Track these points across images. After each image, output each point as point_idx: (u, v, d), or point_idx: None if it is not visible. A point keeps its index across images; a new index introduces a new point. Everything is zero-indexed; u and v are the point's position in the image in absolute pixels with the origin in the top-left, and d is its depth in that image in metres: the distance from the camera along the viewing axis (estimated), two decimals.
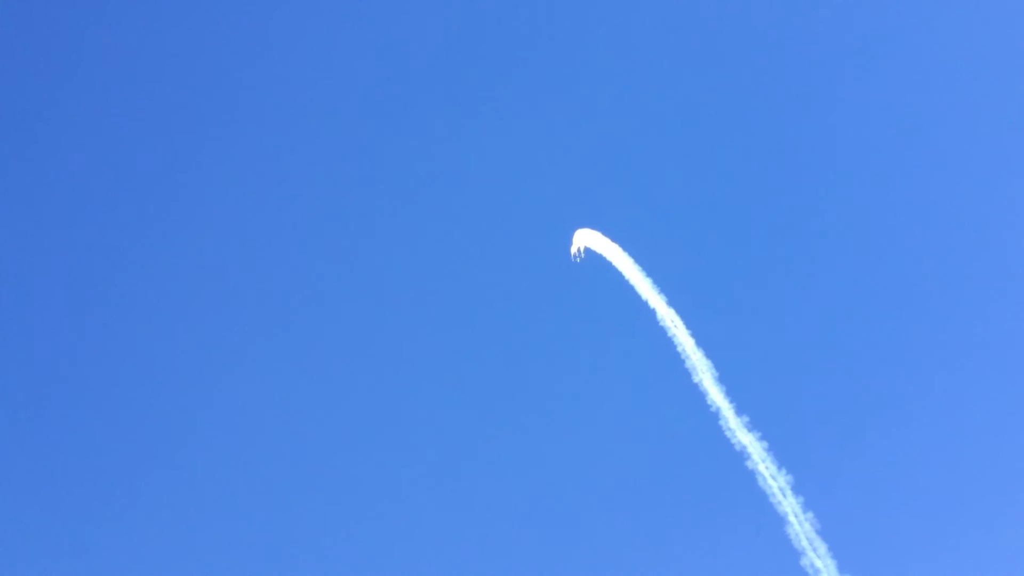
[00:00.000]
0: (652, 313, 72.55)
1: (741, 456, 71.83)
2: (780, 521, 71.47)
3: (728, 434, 71.90)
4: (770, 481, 71.55)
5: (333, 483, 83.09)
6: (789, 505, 71.33)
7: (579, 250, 72.02)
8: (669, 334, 72.64)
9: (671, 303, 72.61)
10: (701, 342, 72.25)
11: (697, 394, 72.18)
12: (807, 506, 71.37)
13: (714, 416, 72.08)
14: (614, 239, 72.99)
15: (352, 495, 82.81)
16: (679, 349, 72.61)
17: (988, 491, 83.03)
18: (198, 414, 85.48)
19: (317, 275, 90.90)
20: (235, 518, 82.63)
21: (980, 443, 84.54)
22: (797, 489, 71.46)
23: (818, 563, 71.10)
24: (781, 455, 71.67)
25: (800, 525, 71.23)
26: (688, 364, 72.46)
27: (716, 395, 72.13)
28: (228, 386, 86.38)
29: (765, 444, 71.77)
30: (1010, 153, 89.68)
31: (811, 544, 71.17)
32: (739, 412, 71.94)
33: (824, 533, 71.28)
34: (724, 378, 72.00)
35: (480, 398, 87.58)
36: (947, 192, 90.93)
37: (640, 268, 72.74)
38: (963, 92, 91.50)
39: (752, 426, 71.92)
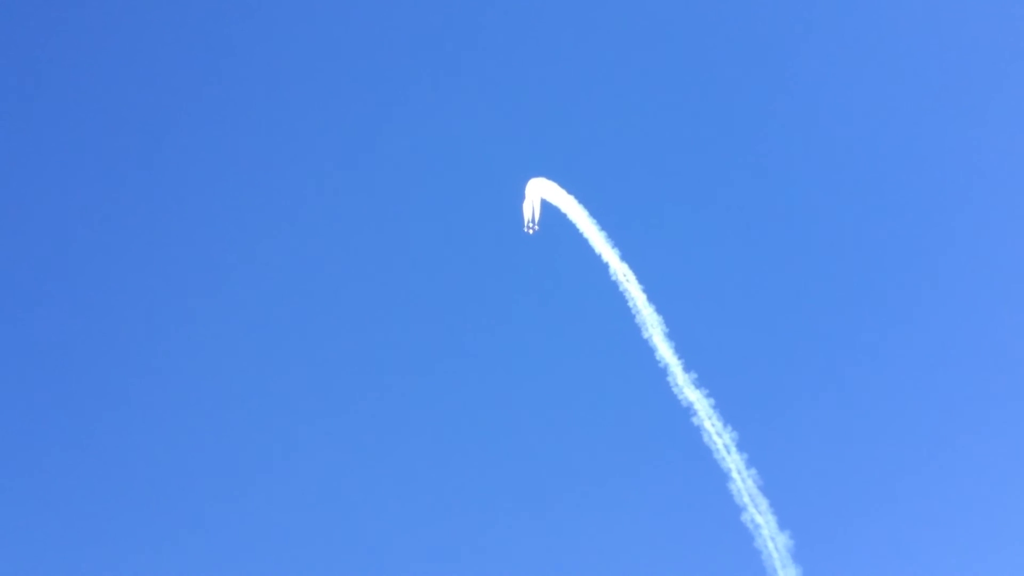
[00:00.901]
0: (605, 267, 72.63)
1: (687, 412, 72.41)
2: (723, 477, 72.15)
3: (675, 390, 72.36)
4: (715, 437, 72.04)
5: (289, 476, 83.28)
6: (733, 461, 71.90)
7: (532, 219, 71.54)
8: (621, 288, 72.68)
9: (624, 258, 72.82)
10: (653, 298, 72.57)
11: (646, 349, 72.59)
12: (750, 463, 72.08)
13: (662, 372, 72.57)
14: (569, 190, 72.72)
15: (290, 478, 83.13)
16: (630, 304, 72.74)
17: (928, 448, 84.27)
18: (194, 409, 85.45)
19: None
20: (235, 517, 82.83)
21: (921, 402, 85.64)
22: (741, 446, 72.16)
23: (759, 519, 71.76)
24: (727, 412, 72.31)
25: (743, 481, 71.83)
26: (639, 319, 72.65)
27: (665, 351, 72.37)
28: (220, 383, 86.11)
29: (712, 401, 72.31)
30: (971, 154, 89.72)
31: (753, 500, 71.82)
32: (687, 368, 72.48)
33: (766, 489, 72.04)
34: (674, 334, 72.48)
35: (424, 350, 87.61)
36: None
37: (594, 221, 72.61)
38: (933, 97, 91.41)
39: (699, 383, 72.39)
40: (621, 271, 72.46)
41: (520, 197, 72.34)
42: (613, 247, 72.47)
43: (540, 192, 72.41)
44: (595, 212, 72.24)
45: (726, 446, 71.92)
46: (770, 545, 71.55)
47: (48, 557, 79.62)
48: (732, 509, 71.81)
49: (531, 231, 72.00)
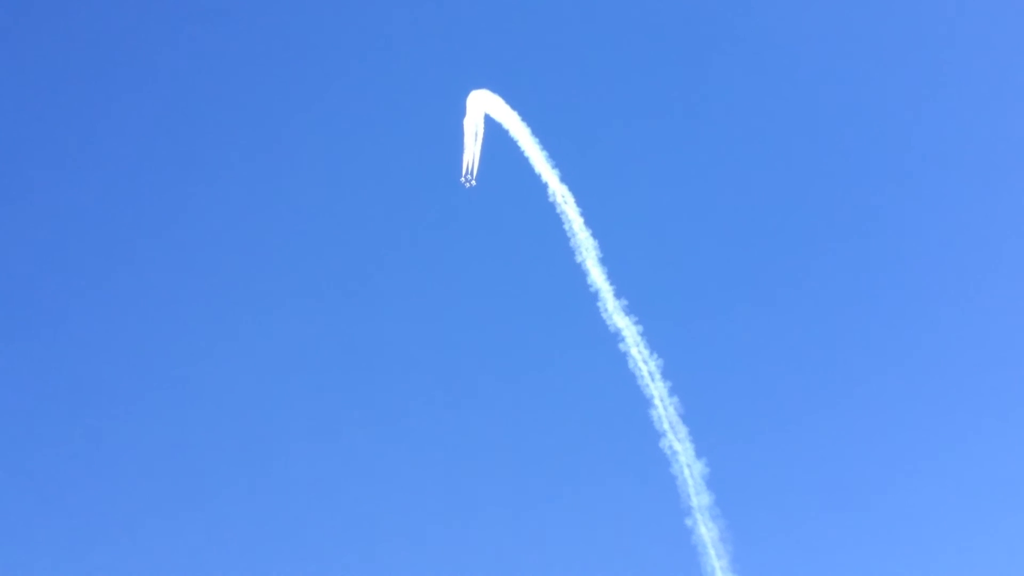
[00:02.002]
0: (544, 187, 72.06)
1: (615, 338, 72.53)
2: (646, 403, 72.60)
3: (604, 315, 72.37)
4: (640, 364, 72.29)
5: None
6: (656, 388, 72.31)
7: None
8: (558, 210, 72.20)
9: (564, 179, 72.21)
10: (590, 222, 72.20)
11: (579, 273, 72.37)
12: (673, 391, 72.58)
13: (593, 296, 72.52)
14: (513, 106, 71.71)
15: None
16: (566, 227, 72.32)
17: (846, 383, 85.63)
18: (193, 413, 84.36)
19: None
20: (234, 517, 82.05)
21: (842, 335, 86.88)
22: (665, 374, 72.57)
23: (677, 446, 72.40)
24: (654, 341, 72.56)
25: (664, 409, 72.32)
26: (573, 242, 72.31)
27: (597, 276, 72.22)
28: (217, 384, 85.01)
29: (640, 328, 72.45)
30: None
31: (672, 427, 72.40)
32: (618, 295, 72.45)
33: (686, 418, 72.67)
34: (608, 260, 72.30)
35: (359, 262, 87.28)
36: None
37: (536, 140, 71.79)
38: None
39: (629, 310, 72.51)
40: (560, 192, 71.88)
41: (461, 111, 71.31)
42: (554, 168, 71.90)
43: (482, 106, 71.24)
44: (538, 131, 71.62)
45: (650, 373, 72.28)
46: (686, 471, 72.31)
47: (48, 557, 79.30)
48: (652, 435, 72.49)
49: (468, 184, 71.47)
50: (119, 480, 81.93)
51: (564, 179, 71.83)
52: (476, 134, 70.73)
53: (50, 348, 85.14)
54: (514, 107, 71.35)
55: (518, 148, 71.36)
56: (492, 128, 70.69)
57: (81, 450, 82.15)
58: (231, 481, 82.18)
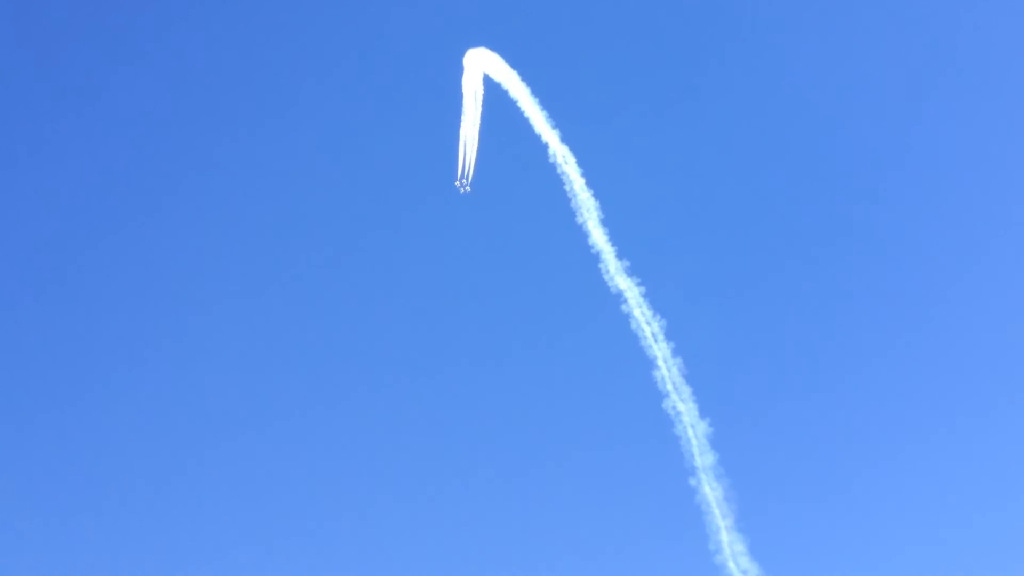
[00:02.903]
0: (544, 147, 71.21)
1: (617, 300, 71.99)
2: (649, 364, 72.17)
3: (606, 277, 71.75)
4: (643, 325, 71.78)
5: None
6: (659, 349, 71.85)
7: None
8: (559, 171, 71.35)
9: (565, 139, 71.27)
10: (591, 182, 71.36)
11: (580, 234, 71.66)
12: (676, 352, 72.16)
13: (594, 258, 71.81)
14: (512, 64, 70.66)
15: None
16: (567, 187, 71.50)
17: (852, 343, 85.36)
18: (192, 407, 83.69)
19: None
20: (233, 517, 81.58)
21: (849, 293, 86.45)
22: (669, 335, 72.07)
23: (680, 406, 72.09)
24: (657, 301, 71.99)
25: (667, 369, 71.91)
26: (574, 203, 71.51)
27: (599, 237, 71.53)
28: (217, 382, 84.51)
29: (642, 289, 71.86)
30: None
31: (676, 388, 72.04)
32: (620, 256, 71.78)
33: (690, 378, 72.31)
34: (609, 221, 71.60)
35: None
36: None
37: (536, 99, 70.79)
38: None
39: (631, 271, 71.87)
40: (561, 153, 70.96)
41: (459, 70, 70.28)
42: (554, 128, 70.92)
43: (481, 65, 70.15)
44: (538, 90, 70.62)
45: (653, 334, 71.78)
46: (689, 432, 72.03)
47: (47, 557, 79.02)
48: (655, 396, 72.16)
49: (464, 189, 70.84)
50: (116, 479, 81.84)
51: (565, 139, 70.87)
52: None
53: (47, 346, 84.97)
54: (513, 66, 70.35)
55: (517, 108, 70.46)
56: (491, 88, 69.71)
57: (77, 448, 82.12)
58: (232, 480, 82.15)
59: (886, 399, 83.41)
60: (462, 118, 68.93)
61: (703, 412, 72.05)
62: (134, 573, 79.10)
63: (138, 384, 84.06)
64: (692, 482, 71.75)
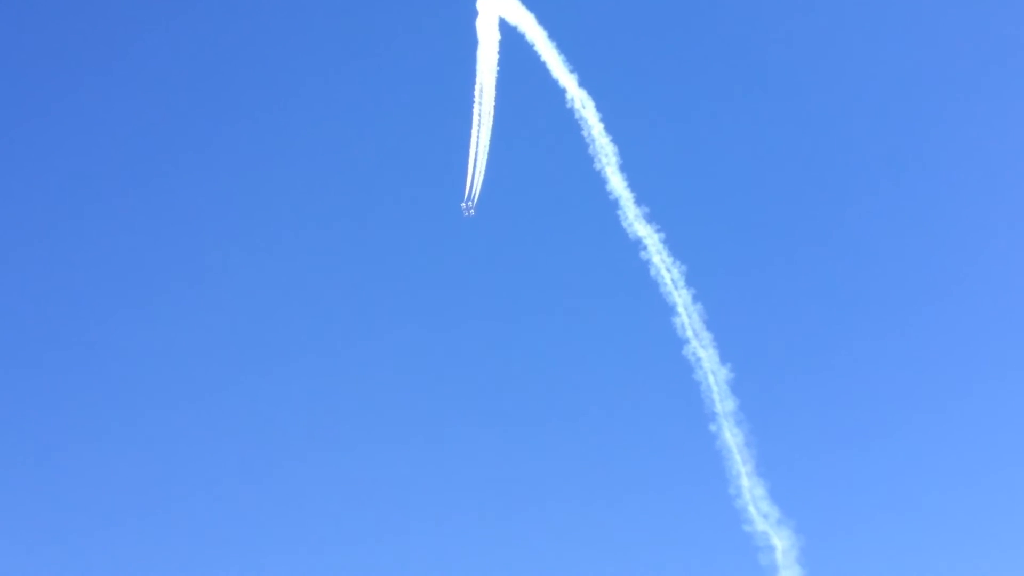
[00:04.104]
0: (562, 93, 70.00)
1: (636, 246, 71.14)
2: (668, 311, 71.51)
3: (625, 224, 70.84)
4: (663, 272, 71.05)
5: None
6: (679, 296, 71.16)
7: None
8: (577, 116, 70.08)
9: (583, 84, 69.86)
10: (609, 128, 70.00)
11: (598, 180, 70.58)
12: (697, 298, 71.46)
13: (613, 204, 70.82)
14: (528, 7, 69.17)
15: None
16: (585, 133, 70.24)
17: (872, 284, 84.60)
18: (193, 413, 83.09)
19: None
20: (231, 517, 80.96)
21: (868, 235, 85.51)
22: (689, 281, 71.34)
23: (701, 352, 71.58)
24: (677, 247, 71.13)
25: (688, 316, 71.28)
26: (592, 149, 70.29)
27: (617, 183, 70.48)
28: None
29: (662, 235, 70.95)
30: None
31: (696, 334, 71.46)
32: (639, 202, 70.77)
33: (711, 324, 71.69)
34: (627, 166, 70.48)
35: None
36: None
37: (553, 43, 69.40)
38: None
39: (651, 217, 70.92)
40: (579, 98, 69.68)
41: (473, 13, 68.85)
42: (572, 72, 69.58)
43: (496, 8, 68.69)
44: (555, 33, 69.13)
45: (674, 281, 71.04)
46: (710, 378, 71.60)
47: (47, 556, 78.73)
48: (675, 342, 71.59)
49: (468, 212, 69.96)
50: (115, 478, 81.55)
51: (583, 84, 69.49)
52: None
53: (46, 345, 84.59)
54: (530, 8, 68.96)
55: (534, 52, 69.15)
56: (507, 32, 68.31)
57: (77, 448, 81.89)
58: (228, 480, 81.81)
59: (910, 344, 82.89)
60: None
61: (724, 358, 71.62)
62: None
63: (137, 383, 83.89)
64: (712, 428, 71.56)
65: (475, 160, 67.78)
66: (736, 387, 71.51)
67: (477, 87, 66.75)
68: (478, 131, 67.87)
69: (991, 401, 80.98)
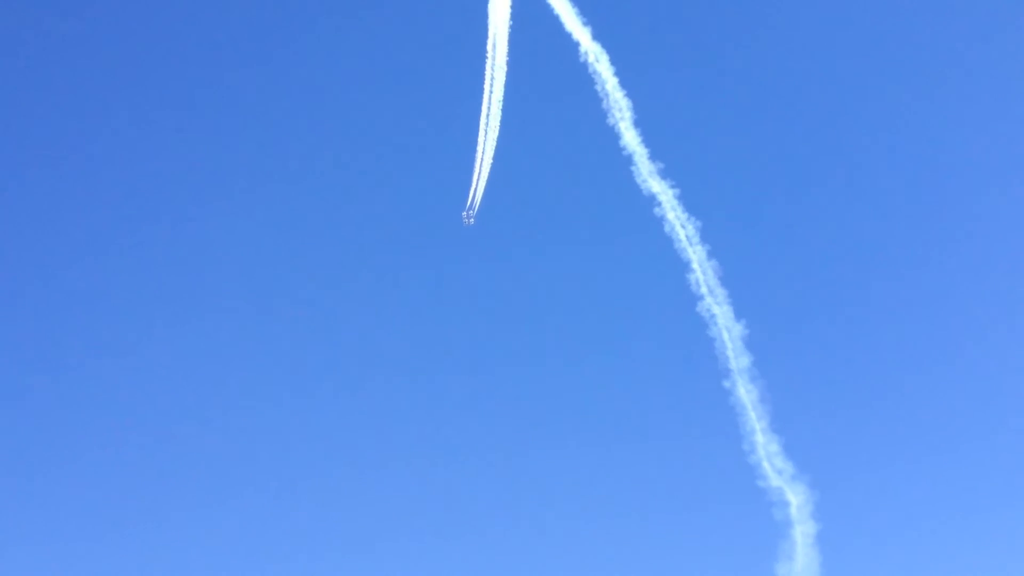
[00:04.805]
0: (575, 46, 68.93)
1: (650, 202, 70.29)
2: (683, 267, 70.87)
3: (638, 180, 69.98)
4: (677, 228, 70.30)
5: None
6: (694, 252, 70.48)
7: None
8: (590, 70, 69.00)
9: (597, 37, 68.67)
10: (624, 82, 68.89)
11: (612, 135, 69.53)
12: (711, 254, 70.76)
13: (627, 160, 69.82)
14: None
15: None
16: (599, 88, 69.05)
17: (891, 239, 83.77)
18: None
19: None
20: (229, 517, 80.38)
21: (889, 190, 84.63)
22: (704, 237, 70.60)
23: (715, 309, 71.05)
24: (691, 203, 70.28)
25: (702, 272, 70.66)
26: (606, 104, 69.16)
27: (631, 138, 69.51)
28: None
29: (677, 191, 70.13)
30: None
31: (711, 290, 70.89)
32: (652, 158, 69.79)
33: (725, 280, 71.05)
34: (641, 122, 69.38)
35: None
36: None
37: None
38: None
39: (665, 173, 69.98)
40: (592, 51, 68.60)
41: None
42: (585, 25, 68.43)
43: None
44: None
45: (688, 237, 70.32)
46: (724, 334, 71.10)
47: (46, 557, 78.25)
48: (689, 298, 71.04)
49: (468, 222, 69.01)
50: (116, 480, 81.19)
51: (597, 37, 68.35)
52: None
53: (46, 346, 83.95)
54: None
55: (547, 4, 68.11)
56: None
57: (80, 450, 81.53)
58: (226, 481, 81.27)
59: (927, 299, 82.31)
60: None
61: (738, 314, 71.09)
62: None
63: (139, 384, 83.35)
64: (727, 384, 71.15)
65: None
66: (751, 343, 71.04)
67: (490, 40, 65.70)
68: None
69: (1009, 356, 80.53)
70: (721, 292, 70.89)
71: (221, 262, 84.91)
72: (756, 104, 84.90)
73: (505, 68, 65.80)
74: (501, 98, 65.85)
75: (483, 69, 65.17)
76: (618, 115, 68.90)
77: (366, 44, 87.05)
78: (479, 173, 67.59)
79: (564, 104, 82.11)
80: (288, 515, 79.59)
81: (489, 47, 65.88)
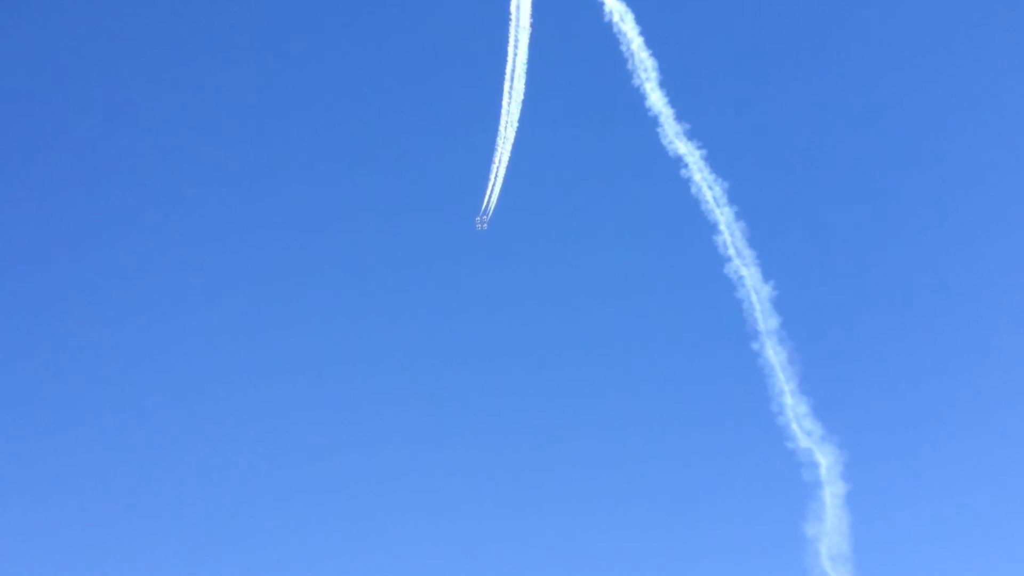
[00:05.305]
0: (600, 5, 67.95)
1: (676, 164, 69.53)
2: (710, 229, 70.17)
3: (664, 141, 69.18)
4: (704, 190, 69.53)
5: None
6: (721, 213, 69.74)
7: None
8: (615, 30, 68.13)
9: None
10: (649, 42, 67.93)
11: (637, 96, 68.68)
12: (739, 215, 70.02)
13: (652, 121, 68.97)
14: None
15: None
16: (623, 48, 68.16)
17: (919, 201, 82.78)
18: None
19: None
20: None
21: (917, 159, 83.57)
22: (732, 198, 69.82)
23: (743, 270, 70.42)
24: (719, 164, 69.50)
25: (730, 234, 69.94)
26: (631, 64, 68.36)
27: (657, 99, 68.64)
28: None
29: (704, 152, 69.33)
30: None
31: (739, 252, 70.19)
32: (679, 119, 68.90)
33: (753, 242, 70.35)
34: (667, 82, 68.46)
35: None
36: None
37: None
38: None
39: (691, 134, 69.11)
40: (617, 11, 67.69)
41: None
42: None
43: None
44: None
45: (715, 198, 69.56)
46: (752, 296, 70.47)
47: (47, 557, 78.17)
48: (716, 260, 70.40)
49: (481, 227, 68.36)
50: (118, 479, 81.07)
51: None
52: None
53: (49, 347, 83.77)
54: None
55: None
56: None
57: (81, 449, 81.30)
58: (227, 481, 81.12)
59: (956, 259, 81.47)
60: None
61: (766, 276, 70.45)
62: None
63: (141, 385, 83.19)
64: (755, 346, 70.62)
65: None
66: (779, 305, 70.40)
67: (513, 1, 65.06)
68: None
69: None
70: (749, 253, 70.29)
71: (231, 264, 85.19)
72: (784, 63, 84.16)
73: (529, 29, 65.02)
74: (525, 60, 65.14)
75: (507, 31, 64.44)
76: (643, 76, 68.12)
77: (390, 8, 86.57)
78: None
79: (589, 65, 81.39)
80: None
81: (512, 8, 65.10)
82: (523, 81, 65.40)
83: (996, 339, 79.73)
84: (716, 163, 68.91)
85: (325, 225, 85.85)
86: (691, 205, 69.34)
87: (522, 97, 65.79)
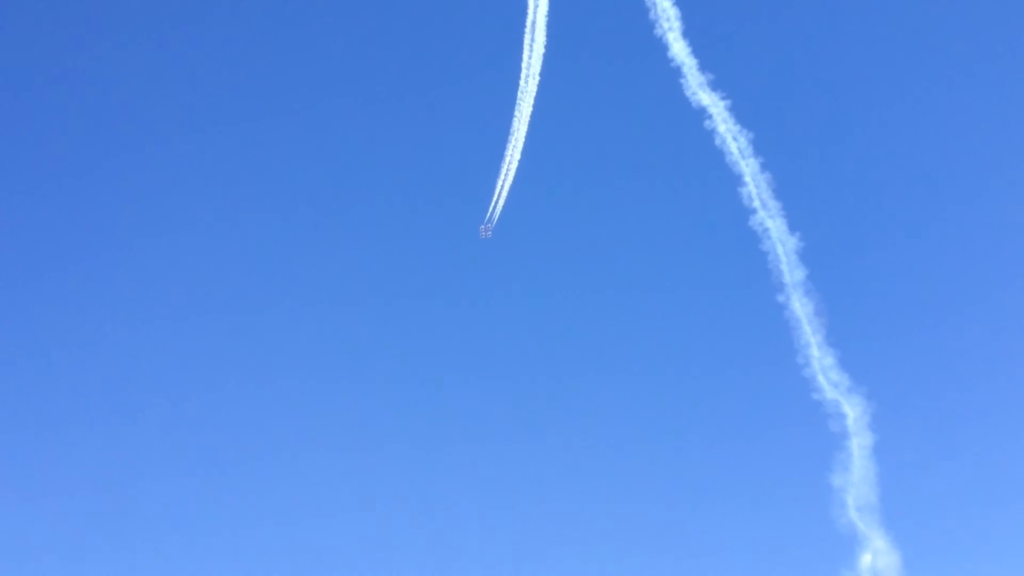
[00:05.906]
0: None
1: (699, 115, 68.93)
2: (734, 181, 69.62)
3: (688, 92, 68.54)
4: (729, 141, 68.94)
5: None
6: (746, 165, 69.18)
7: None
8: None
9: None
10: None
11: (659, 47, 68.09)
12: (765, 167, 69.45)
13: (675, 72, 68.38)
14: None
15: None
16: None
17: (947, 159, 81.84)
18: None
19: None
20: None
21: (946, 101, 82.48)
22: (757, 149, 69.21)
23: (768, 223, 69.90)
24: (742, 115, 68.83)
25: (755, 185, 69.38)
26: (652, 14, 67.66)
27: (680, 50, 67.99)
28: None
29: (728, 103, 68.67)
30: None
31: (764, 204, 69.67)
32: (702, 69, 68.27)
33: (779, 193, 69.80)
34: (690, 32, 67.79)
35: None
36: None
37: None
38: None
39: (715, 85, 68.48)
40: None
41: None
42: None
43: None
44: None
45: (740, 150, 68.99)
46: (778, 248, 70.01)
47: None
48: (741, 212, 69.87)
49: (485, 234, 67.86)
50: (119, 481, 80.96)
51: None
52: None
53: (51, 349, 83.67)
54: None
55: None
56: None
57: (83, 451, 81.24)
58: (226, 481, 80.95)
59: (984, 211, 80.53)
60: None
61: (792, 227, 69.94)
62: None
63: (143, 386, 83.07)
64: (780, 299, 70.26)
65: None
66: (805, 256, 69.98)
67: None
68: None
69: None
70: (775, 205, 69.75)
71: (238, 270, 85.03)
72: (810, 10, 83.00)
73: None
74: (546, 11, 64.67)
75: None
76: (666, 25, 67.46)
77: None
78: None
79: (610, 15, 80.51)
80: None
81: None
82: (544, 32, 64.93)
83: None
84: (740, 114, 68.44)
85: (325, 226, 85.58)
86: (715, 156, 68.98)
87: (543, 49, 65.39)
